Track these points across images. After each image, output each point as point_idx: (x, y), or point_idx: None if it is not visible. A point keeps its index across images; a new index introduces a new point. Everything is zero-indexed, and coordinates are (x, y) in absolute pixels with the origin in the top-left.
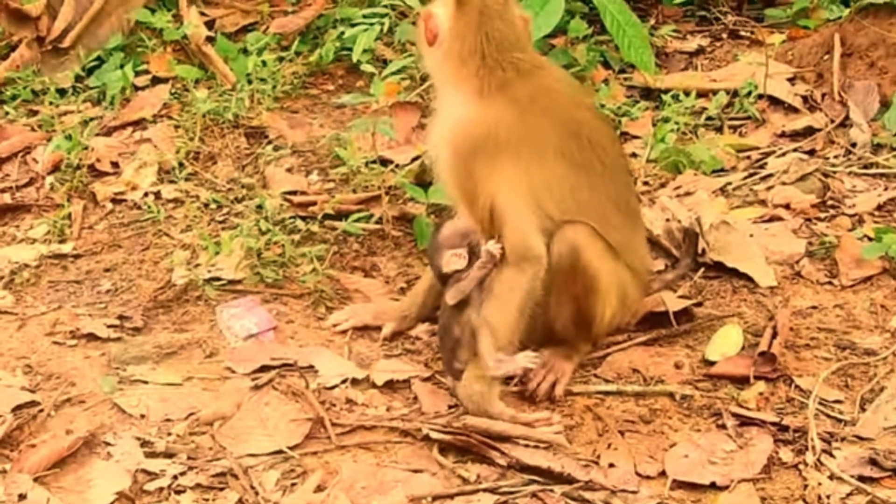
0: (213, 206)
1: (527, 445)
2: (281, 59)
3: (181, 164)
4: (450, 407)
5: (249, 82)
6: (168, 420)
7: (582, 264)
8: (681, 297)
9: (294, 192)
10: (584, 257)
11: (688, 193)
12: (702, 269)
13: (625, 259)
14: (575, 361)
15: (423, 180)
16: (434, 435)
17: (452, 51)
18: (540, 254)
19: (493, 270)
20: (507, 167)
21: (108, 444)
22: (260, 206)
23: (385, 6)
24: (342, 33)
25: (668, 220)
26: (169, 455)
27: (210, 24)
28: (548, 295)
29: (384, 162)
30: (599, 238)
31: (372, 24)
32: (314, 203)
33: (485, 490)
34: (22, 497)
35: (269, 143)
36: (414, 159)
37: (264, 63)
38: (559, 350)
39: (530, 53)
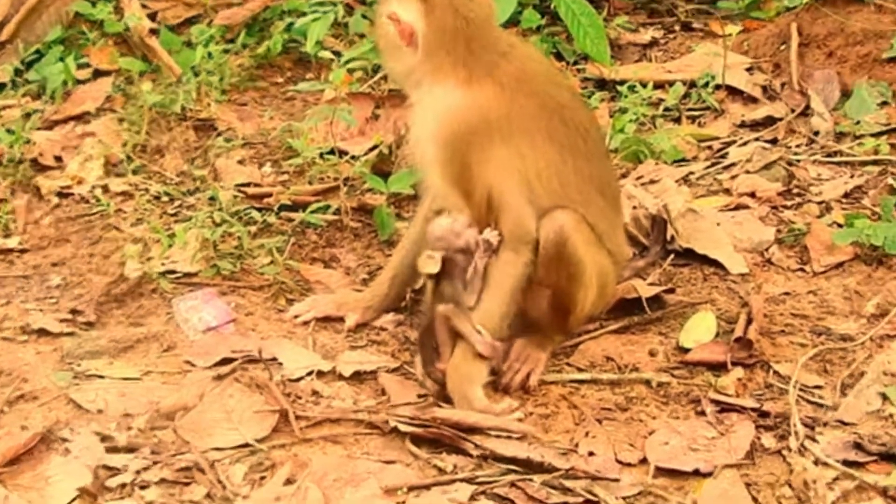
0: (164, 198)
1: (499, 436)
2: (227, 52)
3: (128, 158)
4: (419, 397)
5: (196, 74)
6: (128, 415)
7: (568, 251)
8: (651, 284)
9: (247, 184)
10: (571, 244)
11: (652, 182)
12: (671, 257)
13: (607, 246)
14: (548, 351)
15: (382, 170)
16: (403, 427)
17: (434, 44)
18: (535, 238)
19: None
20: (502, 152)
21: (65, 440)
22: (213, 198)
23: None
24: (290, 24)
25: (634, 207)
26: (131, 450)
27: (152, 17)
28: (528, 282)
29: (340, 153)
30: (586, 224)
31: (325, 13)
32: (269, 194)
33: (462, 480)
34: None
35: (219, 135)
36: (371, 149)
37: (210, 55)
38: (532, 339)
39: (503, 32)
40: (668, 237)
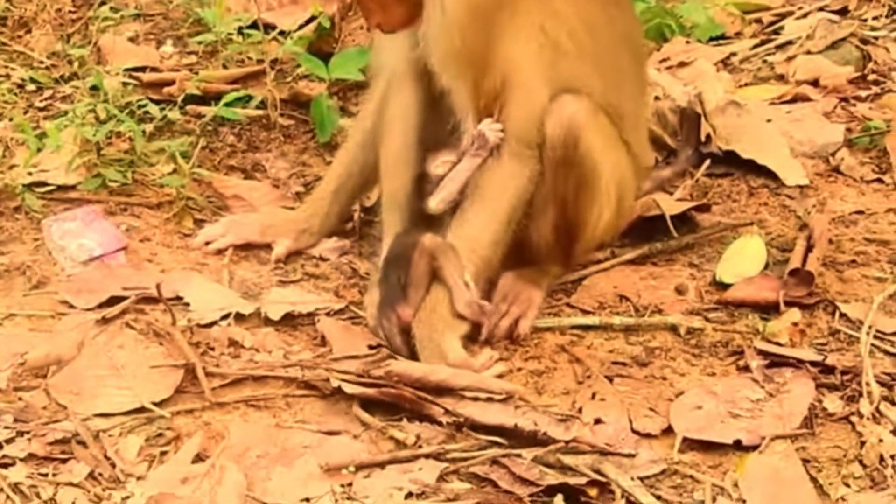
0: (31, 87)
1: (477, 398)
2: None
3: None
4: (370, 348)
5: None
6: None
7: (580, 152)
8: (680, 199)
9: (142, 69)
10: (585, 142)
11: (681, 65)
12: (706, 163)
13: (630, 145)
14: (544, 288)
15: (322, 50)
16: (349, 388)
17: None
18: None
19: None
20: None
21: None
22: (95, 88)
23: None
24: None
25: (657, 98)
26: None
27: None
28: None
29: (265, 27)
30: (604, 115)
31: None
32: (171, 82)
33: (426, 456)
34: None
35: (104, 3)
36: (307, 22)
37: None
38: (523, 273)
39: None
40: (703, 138)
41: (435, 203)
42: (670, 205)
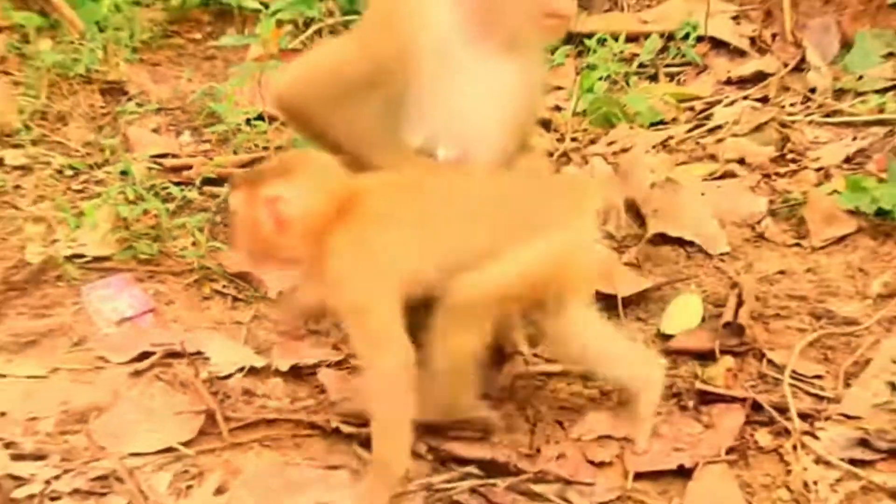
0: (69, 172)
1: (457, 438)
2: (137, 4)
3: (27, 127)
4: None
5: (101, 31)
6: (34, 418)
7: None
8: (627, 263)
9: (164, 155)
10: None
11: (623, 150)
12: (650, 233)
13: None
14: (519, 344)
15: None
16: (345, 429)
17: None
18: None
19: None
20: None
21: None
22: (125, 172)
23: None
24: None
25: None
26: (39, 457)
27: None
28: None
29: (270, 119)
30: None
31: None
32: (189, 167)
33: (416, 487)
34: None
35: (130, 99)
36: None
37: (118, 8)
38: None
39: None
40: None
41: None
42: (620, 269)
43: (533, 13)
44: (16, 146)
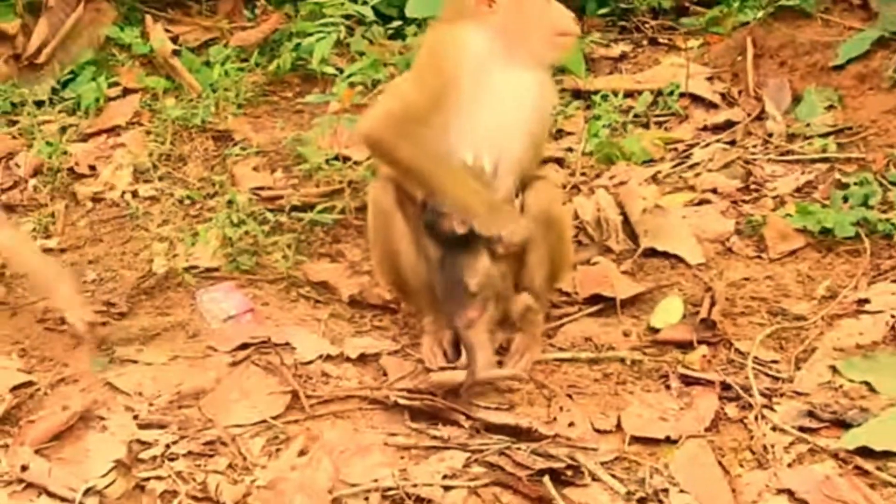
0: (187, 202)
1: (488, 407)
2: (242, 70)
3: (154, 166)
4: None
5: (214, 91)
6: (158, 395)
7: (555, 214)
8: (624, 272)
9: (261, 188)
10: (556, 206)
11: (622, 183)
12: (641, 249)
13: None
14: (539, 337)
15: None
16: (402, 401)
17: None
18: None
19: None
20: None
21: (102, 418)
22: (231, 201)
23: (337, 18)
24: (298, 45)
25: (598, 210)
26: (161, 426)
27: (174, 40)
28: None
29: (344, 158)
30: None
31: (329, 33)
32: (281, 197)
33: (455, 448)
34: (24, 468)
35: (236, 144)
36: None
37: (227, 73)
38: (525, 334)
39: None
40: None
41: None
42: (617, 276)
43: (548, 34)
44: (147, 181)
